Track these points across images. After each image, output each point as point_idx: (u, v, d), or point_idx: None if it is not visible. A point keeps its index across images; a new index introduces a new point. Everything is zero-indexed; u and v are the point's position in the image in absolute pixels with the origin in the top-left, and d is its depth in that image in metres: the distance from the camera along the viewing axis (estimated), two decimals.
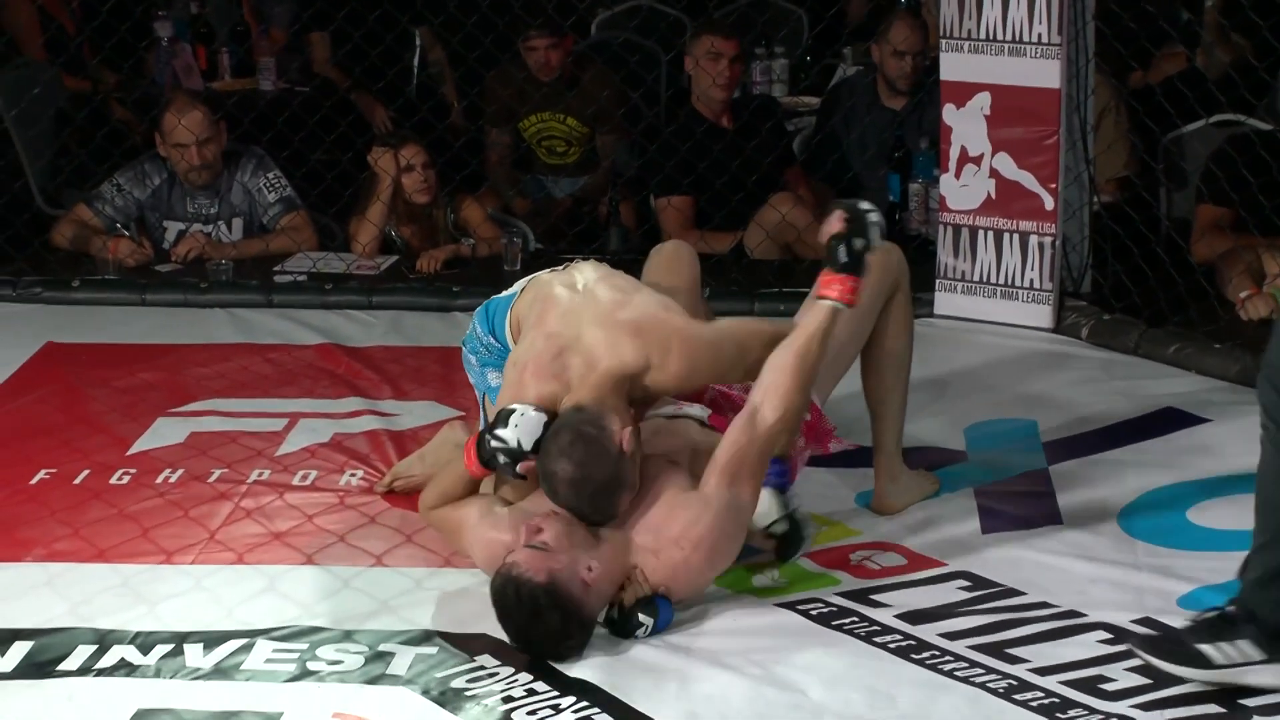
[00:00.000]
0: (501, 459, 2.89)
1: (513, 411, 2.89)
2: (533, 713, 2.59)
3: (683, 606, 2.86)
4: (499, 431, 2.88)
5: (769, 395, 2.88)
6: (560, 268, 3.16)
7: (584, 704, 2.60)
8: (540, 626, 2.70)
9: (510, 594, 2.70)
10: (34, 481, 3.51)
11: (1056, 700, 2.61)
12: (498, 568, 2.75)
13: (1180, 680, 2.59)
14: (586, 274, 3.09)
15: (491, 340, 3.18)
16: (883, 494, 3.32)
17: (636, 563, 2.81)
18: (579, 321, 2.99)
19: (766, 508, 2.93)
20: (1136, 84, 5.37)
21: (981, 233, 4.49)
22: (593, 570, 2.73)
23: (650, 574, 2.80)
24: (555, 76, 5.37)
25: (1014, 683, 2.67)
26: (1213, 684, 2.57)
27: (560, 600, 2.69)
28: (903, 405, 3.31)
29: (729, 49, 5.05)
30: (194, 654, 2.76)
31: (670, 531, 2.82)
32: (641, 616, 2.77)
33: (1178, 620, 2.77)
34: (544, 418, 2.88)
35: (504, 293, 3.21)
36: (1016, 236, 4.44)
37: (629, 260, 3.47)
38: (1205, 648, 2.57)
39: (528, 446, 2.87)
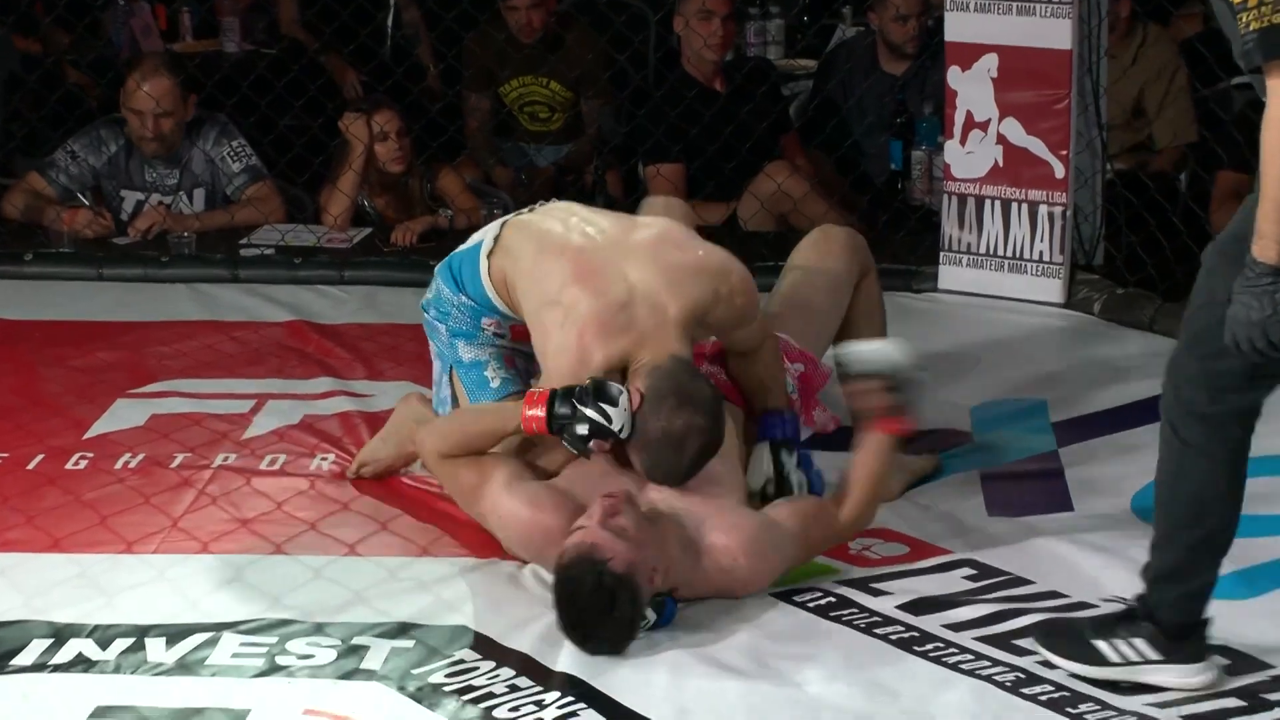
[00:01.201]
0: (583, 432, 2.84)
1: (615, 390, 2.83)
2: (515, 709, 2.58)
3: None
4: (605, 408, 2.81)
5: (850, 499, 2.97)
6: (532, 209, 3.16)
7: (569, 700, 2.60)
8: (609, 619, 2.68)
9: (589, 579, 2.66)
10: None
11: (1066, 694, 2.62)
12: (566, 545, 2.71)
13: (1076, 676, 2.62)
14: (579, 213, 3.09)
15: (464, 299, 3.15)
16: None
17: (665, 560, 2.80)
18: (620, 266, 2.97)
19: (764, 465, 2.93)
20: None
21: (988, 202, 4.49)
22: (656, 573, 2.73)
23: (674, 574, 2.80)
24: (537, 38, 5.36)
25: (1022, 675, 2.67)
26: (1106, 681, 2.60)
27: (634, 595, 2.68)
28: None
29: (721, 7, 5.04)
30: (156, 648, 2.76)
31: (725, 544, 2.84)
32: (649, 612, 2.76)
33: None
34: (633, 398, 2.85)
35: (465, 245, 3.20)
36: (1025, 206, 4.44)
37: None
38: (1101, 644, 2.60)
39: (629, 431, 2.82)
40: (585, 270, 2.97)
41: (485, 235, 3.18)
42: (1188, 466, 2.51)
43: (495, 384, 3.20)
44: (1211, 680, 2.60)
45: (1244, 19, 2.23)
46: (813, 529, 2.94)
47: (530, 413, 2.89)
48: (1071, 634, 2.67)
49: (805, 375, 3.12)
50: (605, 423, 2.83)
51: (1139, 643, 2.59)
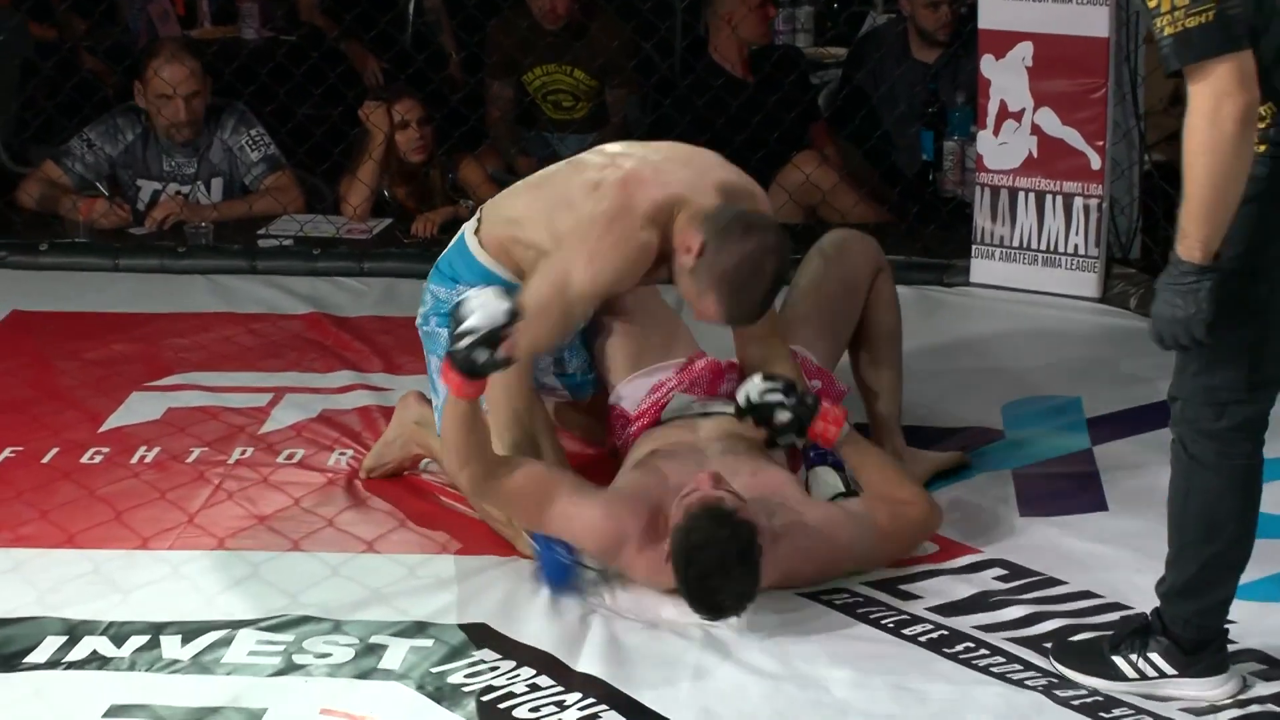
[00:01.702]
0: (481, 354, 2.70)
1: (462, 302, 2.75)
2: (536, 710, 2.59)
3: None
4: (463, 324, 2.71)
5: (881, 486, 3.00)
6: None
7: (590, 700, 2.61)
8: (742, 567, 2.72)
9: (723, 528, 2.70)
10: None
11: (1100, 699, 2.61)
12: (687, 504, 2.75)
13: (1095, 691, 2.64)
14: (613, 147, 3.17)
15: (461, 288, 3.08)
16: None
17: None
18: (643, 151, 3.05)
19: (832, 479, 2.94)
20: None
21: (1022, 194, 4.48)
22: (763, 535, 2.76)
23: None
24: (561, 25, 5.36)
25: (1054, 680, 2.67)
26: (1124, 695, 2.62)
27: (758, 544, 2.74)
28: (898, 381, 3.36)
29: None
30: (171, 646, 2.77)
31: (807, 525, 2.88)
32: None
33: (1234, 610, 2.77)
34: (500, 288, 2.80)
35: (450, 244, 3.23)
36: (1060, 198, 4.43)
37: None
38: (1118, 660, 2.64)
39: (501, 320, 2.70)
40: (614, 160, 3.03)
41: (465, 227, 3.21)
42: (1198, 483, 2.54)
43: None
44: (1233, 691, 2.61)
45: (1159, 24, 2.28)
46: (882, 516, 2.94)
47: (447, 378, 2.78)
48: (1089, 651, 2.69)
49: (822, 392, 3.10)
50: (474, 331, 2.69)
51: (1155, 658, 2.61)
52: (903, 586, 2.96)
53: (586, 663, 2.71)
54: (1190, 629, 2.59)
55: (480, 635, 2.80)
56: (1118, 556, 3.06)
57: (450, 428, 2.88)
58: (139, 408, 3.79)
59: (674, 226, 2.93)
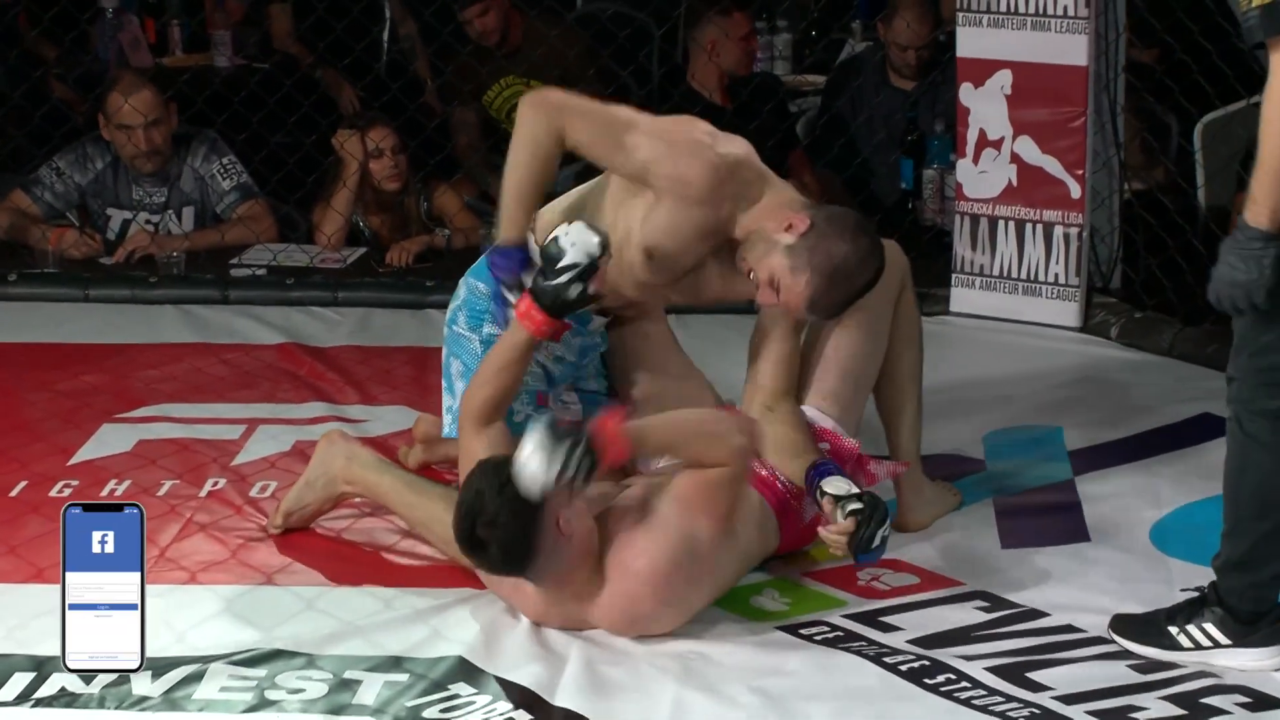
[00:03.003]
0: (575, 289, 2.85)
1: (554, 239, 2.88)
2: None
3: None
4: (560, 261, 2.85)
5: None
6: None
7: None
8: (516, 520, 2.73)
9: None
10: None
11: None
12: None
13: (1165, 664, 2.76)
14: None
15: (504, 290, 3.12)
16: (908, 508, 3.31)
17: None
18: None
19: (843, 487, 2.94)
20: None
21: (1002, 223, 4.50)
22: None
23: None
24: (500, 41, 5.37)
25: (1037, 711, 2.67)
26: (1178, 664, 2.75)
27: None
28: (919, 411, 3.33)
29: (744, 26, 5.09)
30: (141, 682, 2.75)
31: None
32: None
33: None
34: (585, 222, 2.91)
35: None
36: (1040, 227, 4.45)
37: None
38: (1174, 630, 2.78)
39: (595, 252, 2.85)
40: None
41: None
42: (1253, 460, 2.66)
43: (518, 418, 3.14)
44: None
45: None
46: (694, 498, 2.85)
47: (529, 318, 2.91)
48: (1146, 622, 2.81)
49: (831, 453, 3.08)
50: (585, 253, 2.85)
51: (1210, 628, 2.74)
52: (883, 619, 2.97)
53: (564, 697, 2.70)
54: (1246, 601, 2.71)
55: (456, 670, 2.79)
56: (1101, 588, 3.06)
57: (497, 356, 2.97)
58: (109, 440, 3.78)
59: (757, 204, 2.98)
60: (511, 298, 3.02)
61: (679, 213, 2.99)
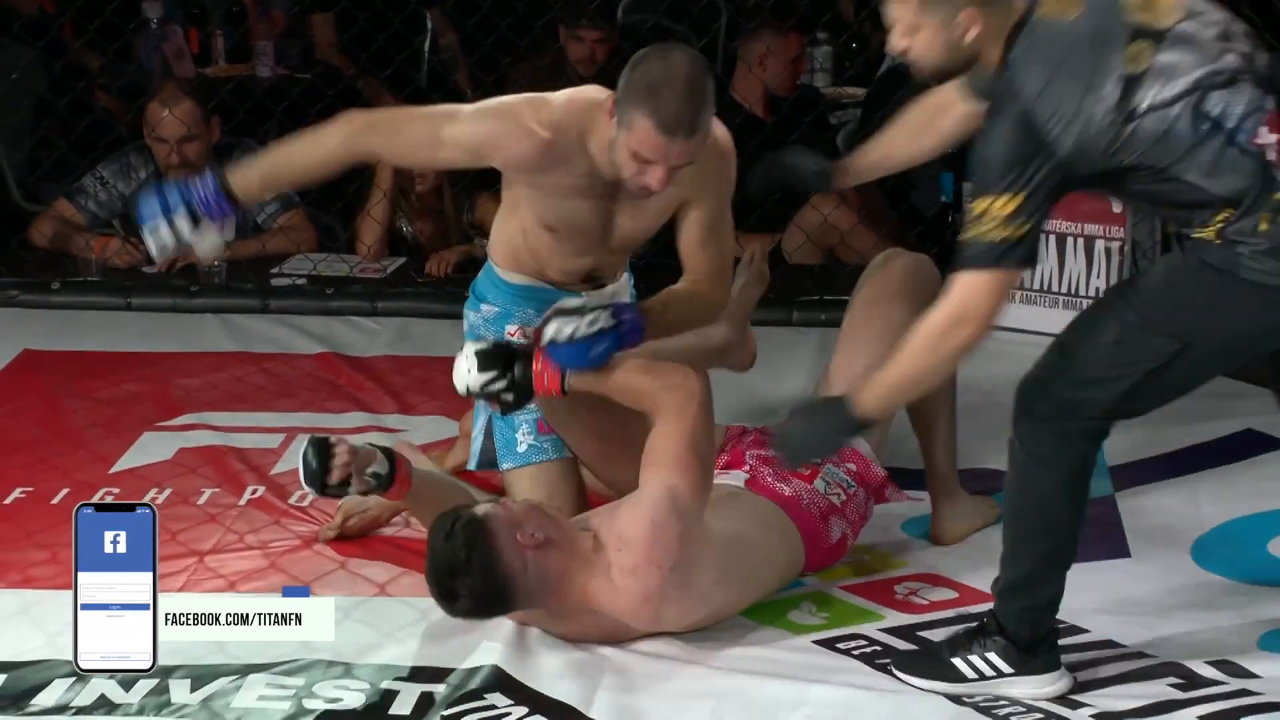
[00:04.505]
0: (506, 396, 2.92)
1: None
2: None
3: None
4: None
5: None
6: None
7: None
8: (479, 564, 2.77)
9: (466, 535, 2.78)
10: (8, 501, 3.53)
11: None
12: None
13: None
14: None
15: (486, 308, 3.26)
16: (943, 520, 3.30)
17: None
18: None
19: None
20: None
21: (1042, 236, 4.47)
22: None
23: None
24: (594, 72, 5.37)
25: None
26: (965, 696, 2.69)
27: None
28: (954, 422, 3.31)
29: (794, 48, 5.08)
30: (180, 690, 2.77)
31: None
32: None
33: (1259, 663, 2.77)
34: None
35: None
36: (1081, 240, 4.43)
37: (657, 265, 3.48)
38: (957, 661, 2.72)
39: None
40: None
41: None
42: (1032, 478, 2.62)
43: (521, 448, 3.19)
44: (1065, 689, 2.68)
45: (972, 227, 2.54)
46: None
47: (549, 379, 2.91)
48: (929, 656, 2.76)
49: (857, 477, 3.08)
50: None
51: (992, 657, 2.68)
52: (921, 634, 2.95)
53: (600, 710, 2.70)
54: (1024, 626, 2.66)
55: (493, 680, 2.79)
56: (1141, 605, 3.05)
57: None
58: (150, 448, 3.80)
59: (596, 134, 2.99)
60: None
61: (548, 183, 3.04)
